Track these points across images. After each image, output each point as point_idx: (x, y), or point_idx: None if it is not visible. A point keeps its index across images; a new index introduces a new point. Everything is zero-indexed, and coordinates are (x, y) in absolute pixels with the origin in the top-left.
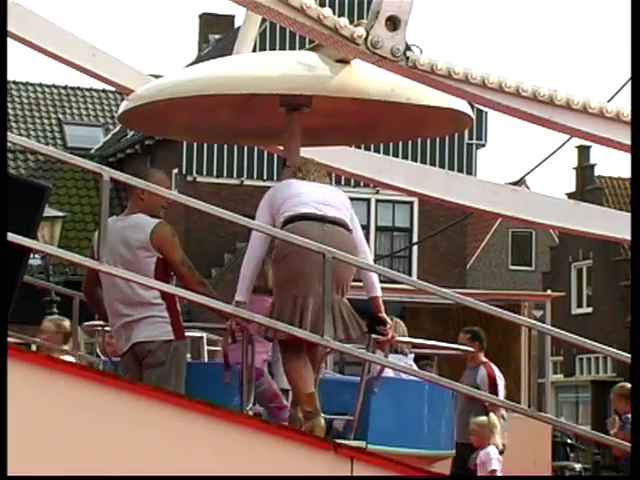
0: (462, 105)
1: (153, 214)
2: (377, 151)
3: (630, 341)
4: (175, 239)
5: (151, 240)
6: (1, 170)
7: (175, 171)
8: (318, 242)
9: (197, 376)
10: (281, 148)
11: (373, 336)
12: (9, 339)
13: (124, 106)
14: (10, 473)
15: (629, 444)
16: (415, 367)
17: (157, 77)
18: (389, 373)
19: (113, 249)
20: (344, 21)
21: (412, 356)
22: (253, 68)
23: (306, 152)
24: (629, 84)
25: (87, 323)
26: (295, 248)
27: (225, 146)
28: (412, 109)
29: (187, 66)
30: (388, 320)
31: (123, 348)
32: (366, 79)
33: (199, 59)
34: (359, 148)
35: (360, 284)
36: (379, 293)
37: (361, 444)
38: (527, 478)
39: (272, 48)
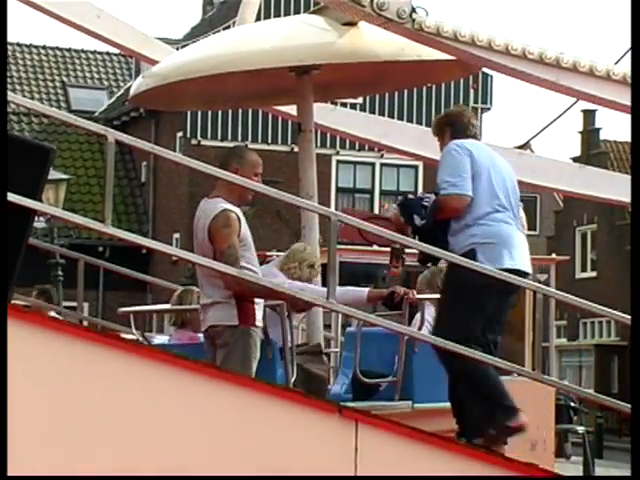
0: None
1: (241, 200)
2: (382, 114)
3: (631, 304)
4: (226, 230)
5: (209, 228)
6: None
7: (179, 134)
8: None
9: None
10: (287, 110)
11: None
12: (15, 301)
13: (137, 87)
14: (15, 438)
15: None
16: None
17: (162, 40)
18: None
19: (195, 229)
20: None
21: None
22: (262, 41)
23: (315, 112)
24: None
25: (123, 309)
26: None
27: (230, 110)
28: (422, 62)
29: (192, 28)
30: (396, 289)
31: (202, 328)
32: (375, 41)
33: (203, 21)
34: (364, 110)
35: (355, 247)
36: (366, 294)
37: (407, 404)
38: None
39: (277, 10)
